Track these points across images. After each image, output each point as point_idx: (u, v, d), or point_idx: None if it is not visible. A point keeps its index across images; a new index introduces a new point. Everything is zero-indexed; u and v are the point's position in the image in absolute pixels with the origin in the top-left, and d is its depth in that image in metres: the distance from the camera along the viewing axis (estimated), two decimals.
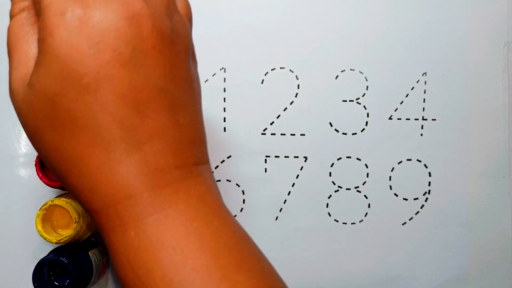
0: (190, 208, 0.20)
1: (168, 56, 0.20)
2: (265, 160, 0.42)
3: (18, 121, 0.41)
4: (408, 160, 0.42)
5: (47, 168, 0.38)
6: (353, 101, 0.42)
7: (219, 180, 0.42)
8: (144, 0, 0.20)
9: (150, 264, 0.19)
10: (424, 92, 0.42)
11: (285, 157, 0.42)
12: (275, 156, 0.42)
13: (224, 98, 0.41)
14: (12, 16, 0.22)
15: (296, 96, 0.42)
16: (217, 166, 0.42)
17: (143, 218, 0.20)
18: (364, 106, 0.42)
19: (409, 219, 0.42)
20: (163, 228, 0.20)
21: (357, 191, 0.42)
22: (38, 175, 0.36)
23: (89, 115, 0.19)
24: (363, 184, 0.42)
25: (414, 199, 0.42)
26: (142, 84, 0.19)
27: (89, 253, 0.37)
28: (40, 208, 0.35)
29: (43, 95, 0.19)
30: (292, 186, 0.42)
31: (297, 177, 0.42)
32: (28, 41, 0.21)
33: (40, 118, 0.20)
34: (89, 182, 0.20)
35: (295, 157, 0.42)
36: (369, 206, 0.42)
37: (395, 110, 0.42)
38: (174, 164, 0.21)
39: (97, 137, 0.19)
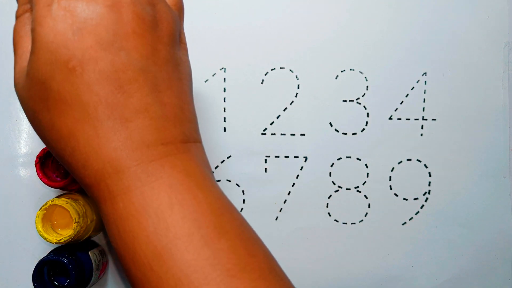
0: (175, 181, 0.22)
1: (149, 39, 0.22)
2: (265, 160, 0.42)
3: (18, 121, 0.41)
4: (408, 160, 0.42)
5: (47, 168, 0.38)
6: (353, 101, 0.42)
7: (219, 180, 0.42)
8: None
9: (136, 231, 0.21)
10: (424, 92, 0.42)
11: (285, 157, 0.42)
12: (275, 156, 0.42)
13: (224, 98, 0.41)
14: (16, 17, 0.24)
15: (296, 96, 0.42)
16: (217, 166, 0.42)
17: (130, 191, 0.21)
18: (364, 106, 0.42)
19: (409, 219, 0.42)
20: (148, 200, 0.21)
21: (357, 191, 0.42)
22: (38, 175, 0.36)
23: (76, 95, 0.21)
24: (363, 184, 0.42)
25: (414, 199, 0.42)
26: (124, 65, 0.21)
27: (89, 253, 0.37)
28: (40, 208, 0.35)
29: (36, 79, 0.22)
30: (292, 186, 0.42)
31: (297, 177, 0.42)
32: (29, 37, 0.23)
33: (36, 101, 0.22)
34: (81, 158, 0.22)
35: (295, 157, 0.42)
36: (369, 206, 0.42)
37: (395, 110, 0.42)
38: (160, 141, 0.22)
39: (85, 114, 0.21)
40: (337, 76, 0.42)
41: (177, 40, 0.25)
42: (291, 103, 0.42)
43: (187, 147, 0.23)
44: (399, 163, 0.42)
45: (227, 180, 0.42)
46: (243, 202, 0.42)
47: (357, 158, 0.42)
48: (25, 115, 0.41)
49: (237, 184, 0.42)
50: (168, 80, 0.23)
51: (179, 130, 0.23)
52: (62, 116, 0.21)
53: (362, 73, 0.42)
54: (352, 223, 0.42)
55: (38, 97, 0.22)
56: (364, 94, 0.42)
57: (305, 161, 0.42)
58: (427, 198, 0.42)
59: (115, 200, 0.22)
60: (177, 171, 0.22)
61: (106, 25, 0.21)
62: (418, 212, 0.42)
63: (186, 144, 0.23)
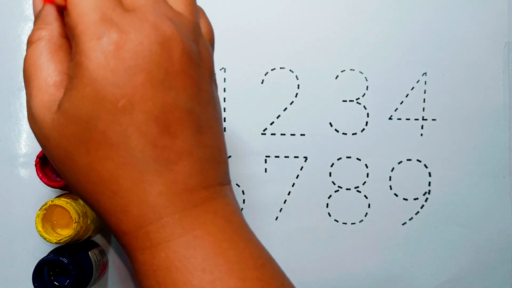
0: (218, 229, 0.21)
1: (195, 79, 0.21)
2: (265, 160, 0.42)
3: (18, 121, 0.41)
4: (408, 160, 0.42)
5: (47, 168, 0.38)
6: (353, 101, 0.42)
7: None
8: (174, 25, 0.20)
9: (180, 285, 0.20)
10: (424, 92, 0.42)
11: (285, 157, 0.42)
12: (275, 156, 0.42)
13: (224, 98, 0.41)
14: (29, 43, 0.22)
15: (296, 96, 0.42)
16: None
17: (173, 240, 0.20)
18: (364, 106, 0.42)
19: (409, 219, 0.42)
20: (192, 250, 0.20)
21: (357, 191, 0.42)
22: (38, 175, 0.36)
23: (123, 137, 0.20)
24: (363, 184, 0.42)
25: (414, 199, 0.42)
26: (172, 105, 0.20)
27: (89, 253, 0.37)
28: (40, 208, 0.35)
29: (77, 119, 0.20)
30: (292, 186, 0.42)
31: (297, 177, 0.42)
32: (48, 68, 0.21)
33: (73, 142, 0.20)
34: (121, 203, 0.20)
35: (295, 157, 0.42)
36: (369, 206, 0.42)
37: (395, 110, 0.42)
38: (202, 185, 0.21)
39: (130, 158, 0.20)
40: (337, 76, 0.42)
41: (214, 77, 0.24)
42: (291, 103, 0.42)
43: (224, 191, 0.22)
44: (399, 163, 0.42)
45: None
46: (243, 202, 0.42)
47: (357, 158, 0.42)
48: (25, 116, 0.41)
49: (237, 184, 0.42)
50: (209, 120, 0.22)
51: (217, 173, 0.22)
52: (105, 159, 0.20)
53: (362, 73, 0.42)
54: (352, 223, 0.42)
55: (76, 138, 0.20)
56: (364, 94, 0.42)
57: (305, 161, 0.42)
58: (427, 198, 0.42)
59: (155, 249, 0.20)
60: (219, 217, 0.21)
61: (158, 62, 0.20)
62: (418, 212, 0.42)
63: (224, 187, 0.22)
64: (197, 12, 0.23)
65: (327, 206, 0.42)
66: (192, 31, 0.21)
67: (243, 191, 0.42)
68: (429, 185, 0.42)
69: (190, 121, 0.21)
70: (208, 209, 0.21)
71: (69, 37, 0.21)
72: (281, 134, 0.42)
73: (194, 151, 0.21)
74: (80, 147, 0.20)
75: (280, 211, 0.42)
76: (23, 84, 0.22)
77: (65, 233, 0.35)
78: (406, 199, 0.42)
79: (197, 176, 0.21)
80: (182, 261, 0.20)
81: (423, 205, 0.42)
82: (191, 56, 0.21)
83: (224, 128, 0.41)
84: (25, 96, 0.41)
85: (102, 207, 0.21)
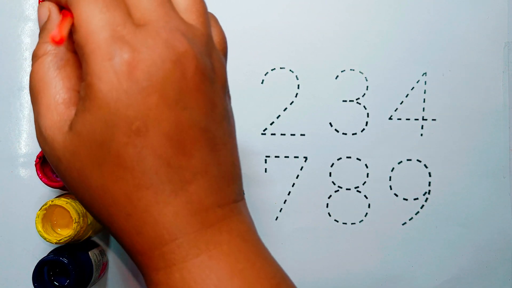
0: (234, 248, 0.21)
1: (209, 95, 0.20)
2: (265, 160, 0.42)
3: (18, 121, 0.41)
4: (408, 160, 0.42)
5: (47, 168, 0.38)
6: (353, 101, 0.42)
7: None
8: (187, 40, 0.20)
9: None
10: (424, 92, 0.42)
11: (285, 157, 0.42)
12: (275, 156, 0.42)
13: None
14: (35, 57, 0.21)
15: (296, 96, 0.42)
16: None
17: (188, 260, 0.20)
18: (364, 106, 0.42)
19: (409, 219, 0.42)
20: (208, 270, 0.20)
21: (357, 191, 0.42)
22: (38, 175, 0.36)
23: (138, 158, 0.19)
24: (363, 184, 0.42)
25: (414, 199, 0.42)
26: (187, 124, 0.20)
27: (89, 253, 0.37)
28: (40, 208, 0.35)
29: (91, 141, 0.19)
30: (292, 186, 0.42)
31: (297, 177, 0.42)
32: (56, 86, 0.21)
33: (87, 163, 0.20)
34: (136, 225, 0.20)
35: (295, 157, 0.42)
36: (369, 206, 0.42)
37: (395, 110, 0.42)
38: (217, 203, 0.21)
39: (145, 179, 0.19)
40: (337, 76, 0.42)
41: (228, 89, 0.23)
42: (291, 103, 0.42)
43: (239, 207, 0.22)
44: (399, 163, 0.42)
45: None
46: None
47: (357, 158, 0.42)
48: (25, 116, 0.41)
49: None
50: (223, 137, 0.21)
51: (232, 189, 0.22)
52: (119, 181, 0.19)
53: (362, 73, 0.42)
54: (352, 223, 0.42)
55: (89, 159, 0.19)
56: (364, 94, 0.42)
57: (305, 161, 0.42)
58: (427, 198, 0.42)
59: (170, 270, 0.20)
60: (234, 236, 0.21)
61: (171, 81, 0.19)
62: (418, 212, 0.42)
63: (238, 203, 0.22)
64: (209, 22, 0.22)
65: (327, 206, 0.42)
66: (205, 44, 0.21)
67: (243, 191, 0.42)
68: (429, 185, 0.42)
69: (205, 139, 0.20)
70: (223, 228, 0.21)
71: (77, 54, 0.20)
72: (281, 134, 0.42)
73: (209, 170, 0.20)
74: (94, 168, 0.20)
75: (280, 211, 0.42)
76: (30, 100, 0.22)
77: (65, 233, 0.35)
78: (406, 199, 0.42)
79: (212, 195, 0.21)
80: (197, 282, 0.20)
81: (423, 205, 0.42)
82: (205, 72, 0.20)
83: None
84: (25, 96, 0.41)
85: (117, 227, 0.20)
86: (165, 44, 0.19)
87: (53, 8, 0.22)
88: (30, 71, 0.22)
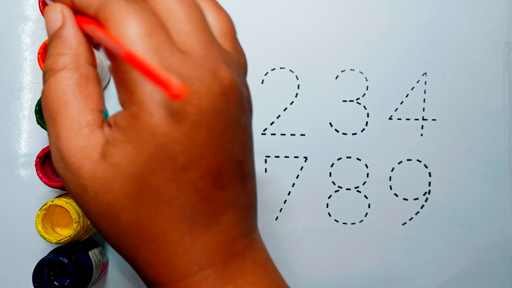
0: (257, 277, 0.21)
1: (245, 126, 0.20)
2: (265, 160, 0.42)
3: (18, 121, 0.41)
4: (408, 160, 0.42)
5: (47, 168, 0.38)
6: (353, 101, 0.42)
7: None
8: (230, 70, 0.19)
9: None
10: (424, 92, 0.42)
11: (285, 157, 0.42)
12: (275, 156, 0.42)
13: None
14: (51, 71, 0.19)
15: (296, 96, 0.42)
16: None
17: None
18: (364, 106, 0.42)
19: (409, 219, 0.42)
20: None
21: (357, 191, 0.42)
22: (38, 175, 0.36)
23: (178, 193, 0.18)
24: (363, 184, 0.42)
25: (414, 199, 0.42)
26: (226, 158, 0.19)
27: (89, 253, 0.37)
28: (40, 208, 0.35)
29: (130, 175, 0.18)
30: (292, 186, 0.42)
31: (297, 177, 0.42)
32: (79, 106, 0.19)
33: (120, 197, 0.18)
34: (165, 257, 0.19)
35: (295, 157, 0.42)
36: (369, 206, 0.42)
37: (395, 110, 0.42)
38: (242, 232, 0.20)
39: (181, 213, 0.19)
40: (337, 76, 0.42)
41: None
42: (291, 103, 0.42)
43: (257, 236, 0.22)
44: (399, 163, 0.42)
45: None
46: None
47: (357, 158, 0.42)
48: (25, 116, 0.41)
49: None
50: (251, 166, 0.21)
51: (253, 218, 0.22)
52: (155, 216, 0.19)
53: (362, 73, 0.42)
54: (352, 223, 0.42)
55: (124, 193, 0.18)
56: (364, 94, 0.42)
57: (305, 161, 0.42)
58: (427, 198, 0.42)
59: None
60: (256, 265, 0.21)
61: (219, 116, 0.18)
62: (418, 212, 0.42)
63: (256, 232, 0.22)
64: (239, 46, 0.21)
65: (327, 206, 0.42)
66: (241, 73, 0.20)
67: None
68: (429, 185, 0.42)
69: (238, 171, 0.20)
70: (247, 257, 0.21)
71: (113, 78, 0.18)
72: (281, 134, 0.42)
73: (238, 200, 0.20)
74: (128, 203, 0.18)
75: (280, 211, 0.42)
76: (43, 115, 0.20)
77: (65, 233, 0.35)
78: (406, 199, 0.42)
79: (239, 224, 0.20)
80: None
81: (423, 205, 0.42)
82: (243, 104, 0.19)
83: None
84: (25, 96, 0.41)
85: (141, 260, 0.20)
86: (213, 75, 0.18)
87: (67, 13, 0.19)
88: (43, 86, 0.19)
